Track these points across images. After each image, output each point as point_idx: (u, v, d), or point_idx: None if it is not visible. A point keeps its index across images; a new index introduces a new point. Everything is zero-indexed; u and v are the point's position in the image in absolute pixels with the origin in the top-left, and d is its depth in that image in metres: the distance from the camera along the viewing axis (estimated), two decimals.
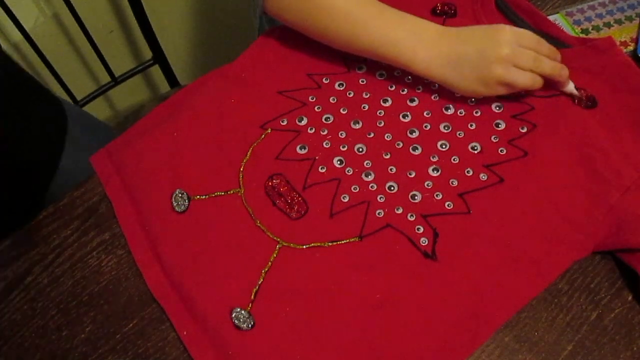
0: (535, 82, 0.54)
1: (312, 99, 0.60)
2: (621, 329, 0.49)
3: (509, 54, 0.52)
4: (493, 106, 0.58)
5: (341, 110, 0.59)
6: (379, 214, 0.53)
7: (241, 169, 0.57)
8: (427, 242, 0.51)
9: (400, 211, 0.53)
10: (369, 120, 0.58)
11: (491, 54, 0.53)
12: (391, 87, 0.60)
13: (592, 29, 0.67)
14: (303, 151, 0.57)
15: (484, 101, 0.58)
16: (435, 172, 0.55)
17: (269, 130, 0.59)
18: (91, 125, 0.75)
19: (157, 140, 0.60)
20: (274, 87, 0.62)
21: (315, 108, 0.60)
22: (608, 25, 0.67)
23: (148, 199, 0.57)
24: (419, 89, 0.60)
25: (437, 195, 0.54)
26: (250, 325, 0.49)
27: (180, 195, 0.56)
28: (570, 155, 0.54)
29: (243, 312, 0.49)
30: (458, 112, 0.58)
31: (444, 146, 0.56)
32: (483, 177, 0.54)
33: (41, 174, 0.66)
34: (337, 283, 0.50)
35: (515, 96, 0.58)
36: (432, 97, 0.59)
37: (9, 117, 0.60)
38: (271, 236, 0.53)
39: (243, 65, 0.64)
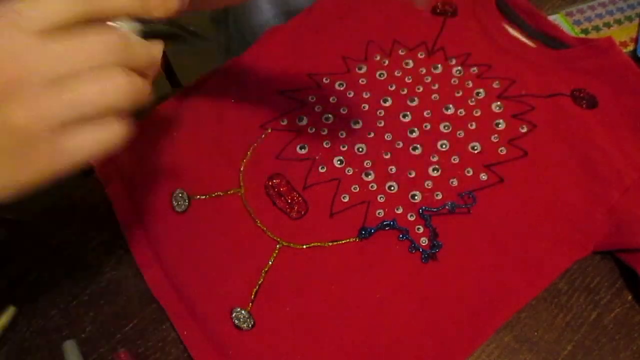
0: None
1: (312, 99, 0.60)
2: (621, 329, 0.49)
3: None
4: (493, 106, 0.58)
5: (341, 110, 0.59)
6: (379, 213, 0.53)
7: (241, 169, 0.57)
8: (427, 242, 0.51)
9: (400, 211, 0.53)
10: (369, 120, 0.58)
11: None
12: (391, 87, 0.60)
13: (592, 29, 0.67)
14: (303, 151, 0.57)
15: (484, 101, 0.58)
16: (435, 172, 0.55)
17: (269, 130, 0.59)
18: None
19: (157, 140, 0.60)
20: (274, 87, 0.62)
21: (315, 108, 0.60)
22: (608, 25, 0.67)
23: (148, 199, 0.57)
24: (419, 89, 0.60)
25: (437, 195, 0.54)
26: (250, 325, 0.49)
27: (180, 195, 0.56)
28: (571, 155, 0.54)
29: (243, 312, 0.49)
30: (458, 112, 0.58)
31: (444, 146, 0.56)
32: (483, 177, 0.54)
33: None
34: (337, 283, 0.50)
35: (515, 96, 0.58)
36: (432, 97, 0.59)
37: None
38: (271, 236, 0.53)
39: (243, 64, 0.64)
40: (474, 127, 0.57)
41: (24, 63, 0.28)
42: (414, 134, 0.57)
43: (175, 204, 0.55)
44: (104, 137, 0.30)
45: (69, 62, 0.28)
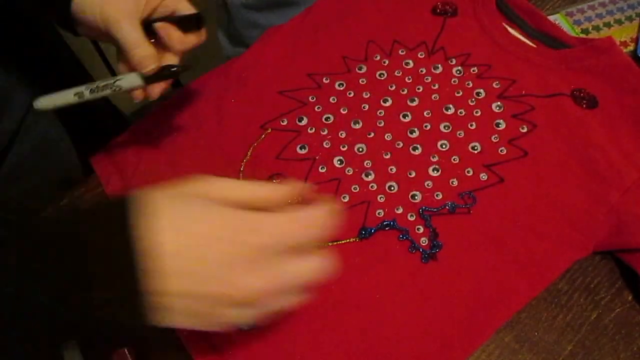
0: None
1: (312, 98, 0.60)
2: (621, 329, 0.49)
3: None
4: (493, 106, 0.58)
5: (341, 110, 0.59)
6: (379, 213, 0.53)
7: (241, 169, 0.57)
8: (427, 242, 0.51)
9: (400, 211, 0.53)
10: (369, 120, 0.58)
11: None
12: (391, 86, 0.60)
13: (592, 29, 0.67)
14: (303, 151, 0.57)
15: (484, 101, 0.58)
16: (435, 172, 0.55)
17: (269, 130, 0.59)
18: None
19: (157, 140, 0.60)
20: (274, 87, 0.62)
21: (316, 108, 0.60)
22: (608, 25, 0.67)
23: None
24: (419, 89, 0.60)
25: (437, 195, 0.54)
26: (250, 326, 0.49)
27: None
28: (571, 155, 0.54)
29: None
30: (458, 112, 0.58)
31: (444, 146, 0.56)
32: (483, 177, 0.54)
33: None
34: (336, 283, 0.50)
35: (515, 96, 0.58)
36: (432, 97, 0.59)
37: None
38: None
39: (243, 64, 0.64)
40: (474, 127, 0.57)
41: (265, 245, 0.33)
42: (414, 134, 0.57)
43: None
44: (287, 305, 0.35)
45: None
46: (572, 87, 0.58)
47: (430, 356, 0.47)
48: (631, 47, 0.64)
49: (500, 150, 0.55)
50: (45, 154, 0.67)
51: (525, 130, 0.56)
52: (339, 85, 0.61)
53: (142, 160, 0.59)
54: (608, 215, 0.51)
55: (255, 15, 0.86)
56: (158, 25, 0.49)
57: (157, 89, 0.50)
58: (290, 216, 0.35)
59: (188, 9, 0.50)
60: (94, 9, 0.46)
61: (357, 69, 0.62)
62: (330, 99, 0.60)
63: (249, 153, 0.58)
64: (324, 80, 0.62)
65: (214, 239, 0.32)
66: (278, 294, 0.34)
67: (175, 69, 0.49)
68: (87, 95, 0.50)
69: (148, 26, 0.49)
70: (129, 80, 0.50)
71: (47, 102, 0.52)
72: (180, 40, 0.50)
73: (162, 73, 0.49)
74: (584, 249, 0.51)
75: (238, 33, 0.89)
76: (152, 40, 0.49)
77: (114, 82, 0.49)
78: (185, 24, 0.50)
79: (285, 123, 0.59)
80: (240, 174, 0.57)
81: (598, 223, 0.51)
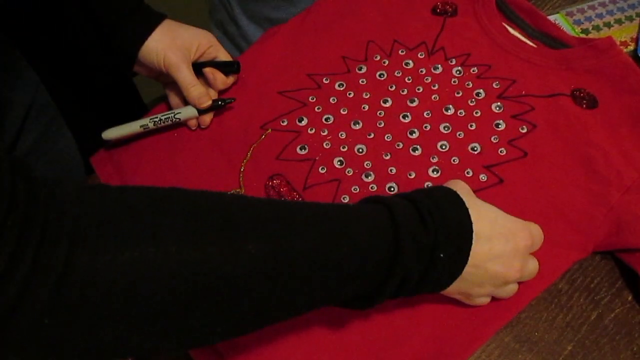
0: None
1: (312, 99, 0.60)
2: (621, 329, 0.49)
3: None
4: (493, 106, 0.58)
5: (341, 111, 0.59)
6: None
7: (241, 169, 0.57)
8: None
9: None
10: (369, 121, 0.58)
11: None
12: (391, 87, 0.60)
13: (592, 29, 0.67)
14: (303, 151, 0.57)
15: (483, 101, 0.58)
16: (435, 173, 0.55)
17: (269, 131, 0.59)
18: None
19: (157, 140, 0.60)
20: (274, 87, 0.62)
21: (316, 108, 0.60)
22: (608, 25, 0.67)
23: None
24: (419, 89, 0.60)
25: None
26: None
27: None
28: (570, 155, 0.54)
29: None
30: (458, 113, 0.58)
31: (443, 147, 0.56)
32: (483, 177, 0.54)
33: None
34: None
35: (515, 96, 0.58)
36: (432, 98, 0.59)
37: None
38: None
39: (243, 65, 0.64)
40: (473, 127, 0.57)
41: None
42: (414, 134, 0.57)
43: None
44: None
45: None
46: (572, 87, 0.58)
47: (430, 356, 0.47)
48: (631, 47, 0.64)
49: (500, 151, 0.55)
50: (46, 153, 0.67)
51: (525, 130, 0.56)
52: (339, 86, 0.61)
53: (142, 160, 0.59)
54: (608, 215, 0.51)
55: (251, 5, 0.86)
56: (207, 70, 0.60)
57: (207, 118, 0.60)
58: (537, 228, 0.47)
59: (226, 56, 0.62)
60: (159, 55, 0.58)
61: (357, 69, 0.62)
62: (330, 100, 0.60)
63: (249, 153, 0.58)
64: (324, 80, 0.62)
65: (501, 233, 0.44)
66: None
67: (221, 102, 0.59)
68: (151, 126, 0.59)
69: (195, 68, 0.59)
70: (186, 113, 0.59)
71: (114, 132, 0.59)
72: (222, 81, 0.60)
73: (212, 105, 0.59)
74: (584, 249, 0.51)
75: (231, 21, 0.89)
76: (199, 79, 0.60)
77: (175, 115, 0.59)
78: (226, 68, 0.61)
79: (285, 123, 0.59)
80: (241, 174, 0.57)
81: (598, 223, 0.51)
